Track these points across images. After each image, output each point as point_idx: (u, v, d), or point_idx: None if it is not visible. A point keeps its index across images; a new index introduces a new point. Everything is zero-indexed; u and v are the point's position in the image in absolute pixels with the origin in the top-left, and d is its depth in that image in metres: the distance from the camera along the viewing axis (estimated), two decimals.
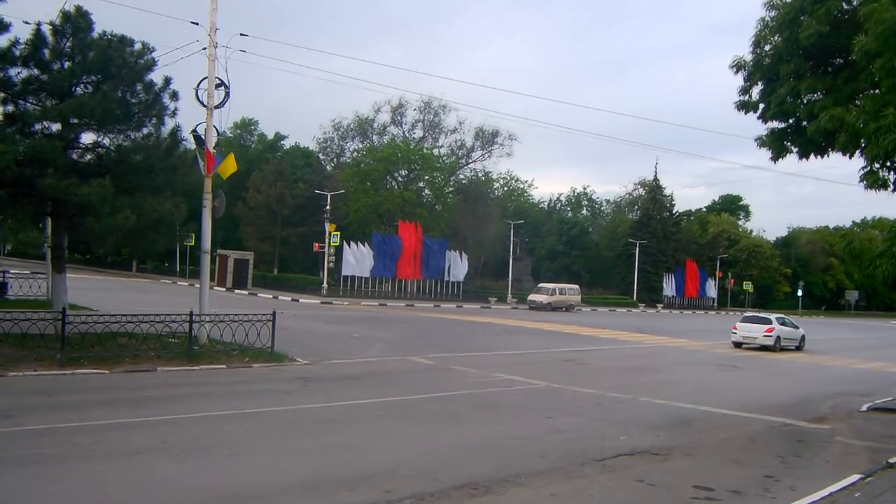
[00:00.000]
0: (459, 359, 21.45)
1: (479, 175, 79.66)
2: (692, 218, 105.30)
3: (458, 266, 64.10)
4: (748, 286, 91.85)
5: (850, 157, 12.84)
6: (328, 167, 76.42)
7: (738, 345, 32.99)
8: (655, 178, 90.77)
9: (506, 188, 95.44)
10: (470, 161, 76.87)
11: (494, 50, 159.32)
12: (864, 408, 16.26)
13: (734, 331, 33.84)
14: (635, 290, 79.70)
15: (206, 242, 20.52)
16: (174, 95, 20.67)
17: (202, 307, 19.73)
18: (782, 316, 37.66)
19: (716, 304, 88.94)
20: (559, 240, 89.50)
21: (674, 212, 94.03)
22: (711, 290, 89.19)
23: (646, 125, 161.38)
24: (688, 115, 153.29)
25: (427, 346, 24.45)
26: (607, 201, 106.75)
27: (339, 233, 55.39)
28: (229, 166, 21.14)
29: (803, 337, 34.52)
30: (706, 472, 9.78)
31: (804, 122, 14.18)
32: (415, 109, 73.16)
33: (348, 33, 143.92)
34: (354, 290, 56.38)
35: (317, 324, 30.10)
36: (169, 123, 20.45)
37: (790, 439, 12.50)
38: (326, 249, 54.74)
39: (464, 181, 77.64)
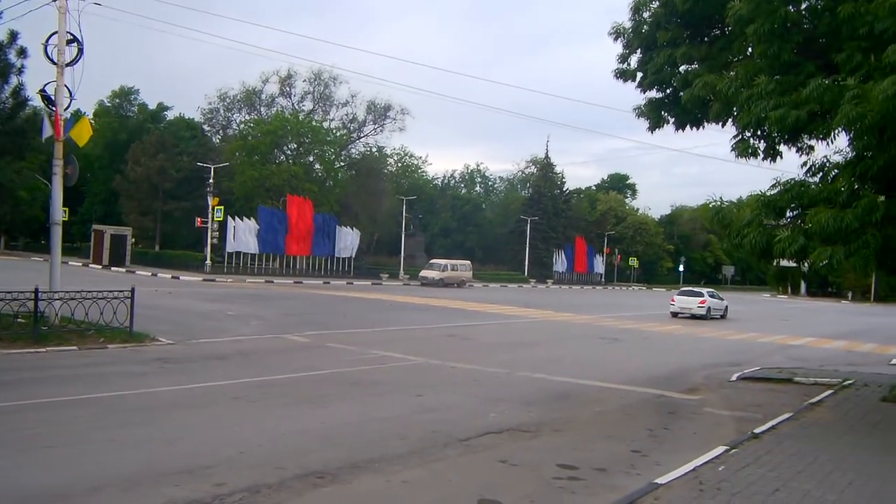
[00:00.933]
0: (338, 336, 20.60)
1: (373, 150, 78.51)
2: (582, 196, 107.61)
3: (349, 242, 62.84)
4: (634, 262, 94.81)
5: (723, 126, 12.70)
6: (215, 139, 73.33)
7: (675, 314, 37.20)
8: (547, 156, 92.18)
9: (400, 164, 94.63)
10: (362, 135, 75.49)
11: (409, 25, 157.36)
12: (733, 378, 16.46)
13: (672, 303, 38.23)
14: (526, 266, 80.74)
15: (57, 213, 18.69)
16: (22, 52, 18.80)
17: (52, 284, 17.99)
18: (712, 290, 42.41)
19: (603, 280, 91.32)
20: (452, 216, 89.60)
21: (564, 189, 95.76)
22: (599, 265, 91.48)
23: (546, 104, 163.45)
24: (593, 95, 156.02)
25: (307, 323, 23.45)
26: (501, 178, 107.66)
27: (222, 207, 53.08)
28: (83, 131, 19.22)
29: (727, 307, 39.52)
30: (575, 448, 9.36)
31: (680, 92, 13.97)
32: (304, 81, 71.10)
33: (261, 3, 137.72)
34: (240, 268, 54.36)
35: (192, 301, 28.51)
36: (18, 84, 18.70)
37: (662, 411, 12.34)
38: (210, 225, 52.40)
39: (356, 156, 76.14)
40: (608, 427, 10.89)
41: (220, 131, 73.58)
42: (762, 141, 11.64)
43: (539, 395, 13.32)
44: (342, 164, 75.23)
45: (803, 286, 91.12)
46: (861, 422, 11.32)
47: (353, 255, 63.89)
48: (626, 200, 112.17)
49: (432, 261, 63.94)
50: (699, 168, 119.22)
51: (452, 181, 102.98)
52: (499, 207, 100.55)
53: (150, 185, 62.51)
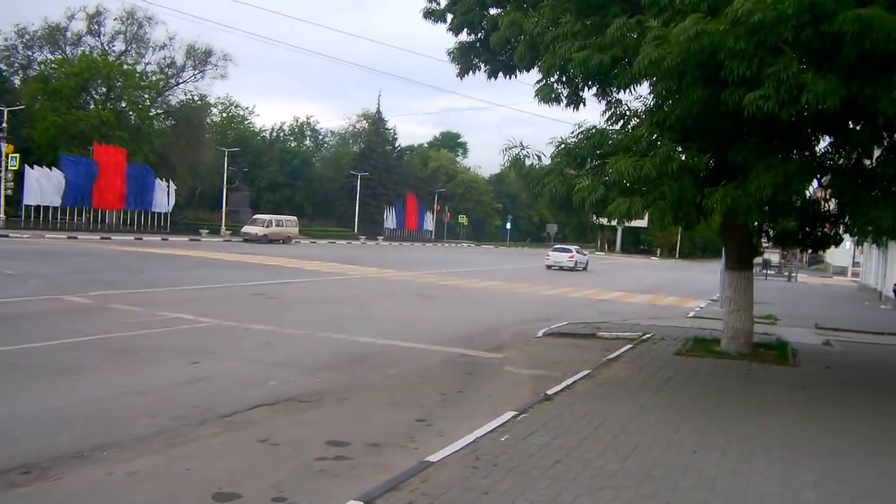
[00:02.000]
0: (128, 296, 18.44)
1: (194, 98, 73.43)
2: (414, 153, 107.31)
3: (165, 196, 58.56)
4: (463, 220, 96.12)
5: (528, 71, 11.97)
6: (15, 81, 65.34)
7: (549, 267, 45.81)
8: (378, 111, 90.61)
9: (224, 114, 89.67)
10: (181, 81, 70.21)
11: None
12: (539, 333, 16.21)
13: (547, 257, 47.56)
14: (356, 223, 79.45)
15: None
16: None
17: None
18: (578, 247, 51.25)
19: (433, 237, 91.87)
20: (280, 171, 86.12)
21: (396, 146, 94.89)
22: (429, 223, 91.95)
23: (381, 59, 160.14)
24: (432, 50, 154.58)
25: (96, 282, 20.94)
26: (332, 133, 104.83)
27: (17, 155, 47.35)
28: None
29: (588, 262, 49.94)
30: (353, 420, 8.36)
31: (490, 35, 13.09)
32: (115, 19, 64.80)
33: None
34: (42, 222, 49.14)
35: None
36: None
37: (460, 372, 11.65)
38: (3, 174, 46.69)
39: (176, 104, 70.86)
40: (398, 393, 9.99)
41: (21, 72, 65.63)
42: (566, 86, 10.98)
43: (334, 358, 12.24)
44: (160, 111, 69.84)
45: (619, 243, 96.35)
46: (654, 377, 11.16)
47: (171, 210, 59.72)
48: (458, 159, 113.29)
49: (255, 216, 61.07)
50: (533, 129, 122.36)
51: (281, 134, 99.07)
52: (330, 162, 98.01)
53: None
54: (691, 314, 22.73)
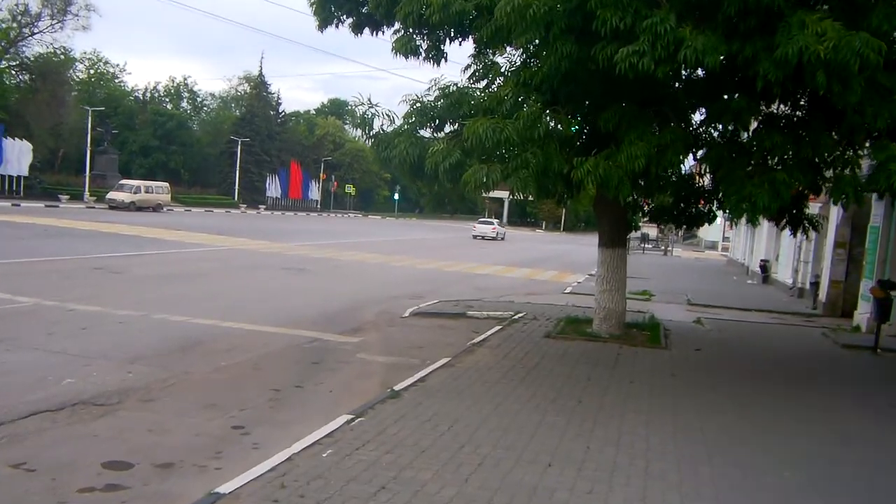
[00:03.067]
0: None
1: (56, 52, 67.49)
2: (301, 120, 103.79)
3: (18, 157, 53.47)
4: (351, 189, 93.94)
5: (388, 24, 10.59)
6: None
7: (475, 237, 53.33)
8: (261, 74, 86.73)
9: (92, 71, 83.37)
10: (36, 31, 64.23)
11: None
12: (406, 313, 15.06)
13: (474, 228, 55.72)
14: (236, 191, 76.04)
15: None
16: None
17: None
18: (499, 221, 62.90)
19: (319, 207, 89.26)
20: (154, 134, 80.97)
21: (280, 111, 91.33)
22: (314, 192, 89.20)
23: (268, 19, 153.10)
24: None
25: None
26: (212, 95, 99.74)
27: None
28: None
29: (505, 233, 58.60)
30: (151, 430, 6.86)
31: None
32: None
33: None
34: None
35: None
36: None
37: (305, 361, 10.30)
38: None
39: (32, 58, 64.82)
40: (221, 390, 8.54)
41: None
42: (425, 39, 9.68)
43: (160, 345, 10.62)
44: (12, 63, 63.79)
45: (505, 216, 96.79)
46: (518, 365, 10.18)
47: (26, 173, 54.68)
48: (347, 128, 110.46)
49: (122, 181, 56.88)
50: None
51: (156, 95, 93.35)
52: (209, 126, 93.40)
53: None
54: (568, 290, 22.21)
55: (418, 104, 9.14)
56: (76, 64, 75.84)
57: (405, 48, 9.37)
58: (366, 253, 31.18)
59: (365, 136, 9.65)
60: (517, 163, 7.98)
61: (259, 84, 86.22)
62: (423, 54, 9.76)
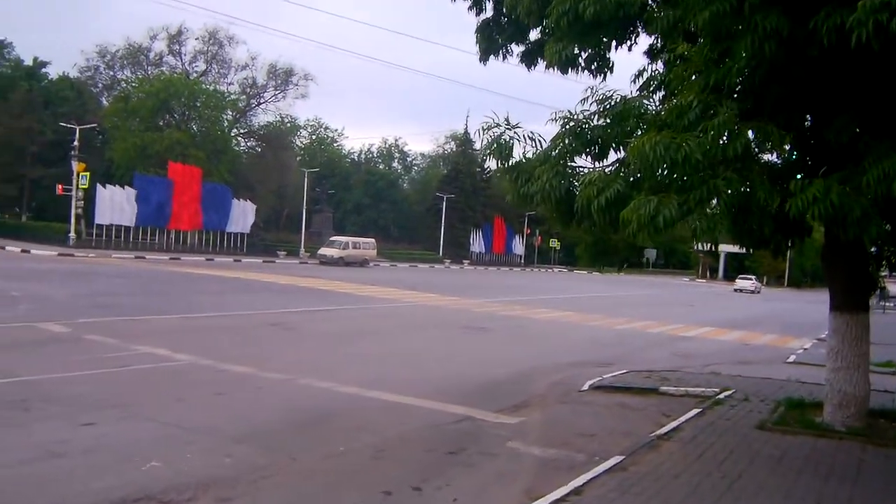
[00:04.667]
0: (116, 324, 16.18)
1: (284, 120, 73.16)
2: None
3: (242, 216, 57.53)
4: (555, 243, 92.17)
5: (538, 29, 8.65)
6: (104, 100, 66.40)
7: (736, 290, 63.20)
8: (466, 132, 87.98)
9: (314, 136, 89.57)
10: (262, 101, 69.84)
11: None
12: (585, 386, 12.69)
13: (735, 284, 66.17)
14: (441, 246, 77.00)
15: None
16: None
17: None
18: (755, 277, 69.14)
19: (522, 261, 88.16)
20: (366, 193, 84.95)
21: (485, 167, 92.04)
22: (518, 246, 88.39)
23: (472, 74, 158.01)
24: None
25: (97, 306, 18.85)
26: (422, 155, 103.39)
27: (87, 173, 47.09)
28: None
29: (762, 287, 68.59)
30: None
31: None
32: (197, 39, 65.08)
33: None
34: (114, 241, 48.63)
35: None
36: None
37: (441, 450, 8.36)
38: (74, 192, 46.57)
39: (261, 126, 70.47)
40: (318, 488, 6.84)
41: (105, 92, 66.86)
42: (584, 46, 7.61)
43: (283, 418, 9.26)
44: (242, 131, 69.75)
45: (721, 271, 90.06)
46: (715, 472, 7.52)
47: (248, 231, 58.64)
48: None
49: (332, 238, 59.43)
50: None
51: (370, 156, 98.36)
52: (418, 184, 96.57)
53: (13, 147, 55.60)
54: (792, 358, 18.47)
55: (570, 123, 7.09)
56: (300, 130, 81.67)
57: (559, 57, 7.36)
58: (560, 311, 28.92)
59: (500, 167, 7.70)
60: (702, 193, 5.67)
61: (464, 141, 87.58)
62: (583, 64, 7.69)
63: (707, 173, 5.82)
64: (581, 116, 7.17)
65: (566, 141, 7.05)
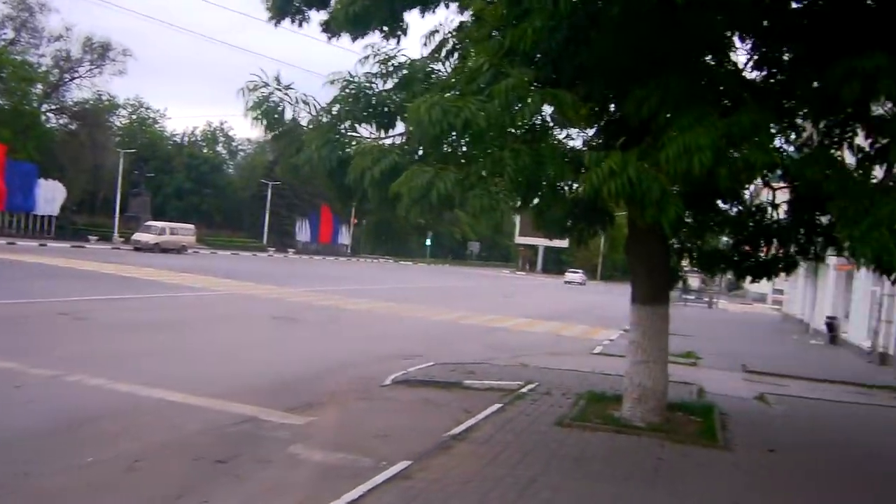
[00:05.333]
0: None
1: (101, 97, 67.02)
2: None
3: (51, 198, 52.23)
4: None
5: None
6: None
7: (566, 283, 66.48)
8: (294, 118, 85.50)
9: (134, 116, 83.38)
10: (77, 76, 63.65)
11: None
12: (388, 380, 11.94)
13: (565, 276, 72.24)
14: (266, 234, 74.28)
15: None
16: None
17: None
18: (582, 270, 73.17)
19: (349, 251, 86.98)
20: (188, 176, 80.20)
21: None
22: (345, 236, 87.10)
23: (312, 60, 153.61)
24: None
25: None
26: (248, 140, 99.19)
27: None
28: None
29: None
30: None
31: None
32: (4, 2, 57.95)
33: None
34: None
35: None
36: None
37: (209, 457, 7.23)
38: None
39: (76, 103, 64.16)
40: None
41: None
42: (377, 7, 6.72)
43: (34, 425, 7.86)
44: (53, 107, 63.45)
45: (540, 264, 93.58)
46: (509, 477, 6.94)
47: (57, 214, 53.28)
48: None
49: (147, 223, 55.38)
50: None
51: (193, 139, 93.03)
52: (243, 171, 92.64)
53: None
54: (598, 349, 18.77)
55: (351, 86, 6.20)
56: (118, 109, 75.60)
57: (346, 14, 6.43)
58: (378, 301, 28.19)
59: (269, 134, 6.68)
60: (485, 166, 4.98)
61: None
62: (375, 24, 6.80)
63: (493, 144, 5.16)
64: (363, 80, 6.29)
65: (344, 105, 6.14)
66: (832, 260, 22.19)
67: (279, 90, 6.27)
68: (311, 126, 6.25)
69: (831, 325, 27.19)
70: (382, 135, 6.36)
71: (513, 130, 5.32)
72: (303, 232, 79.72)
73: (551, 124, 5.93)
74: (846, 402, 14.02)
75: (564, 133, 6.27)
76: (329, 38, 9.25)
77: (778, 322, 41.40)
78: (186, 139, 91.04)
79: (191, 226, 58.46)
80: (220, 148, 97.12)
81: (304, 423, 8.89)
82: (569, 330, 24.43)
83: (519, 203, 6.26)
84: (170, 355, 12.90)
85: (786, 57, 6.66)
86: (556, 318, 28.39)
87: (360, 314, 23.35)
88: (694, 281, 51.27)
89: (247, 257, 59.19)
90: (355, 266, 65.65)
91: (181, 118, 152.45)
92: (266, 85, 6.25)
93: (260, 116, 6.28)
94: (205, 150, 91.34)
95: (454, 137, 5.02)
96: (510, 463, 7.35)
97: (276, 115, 6.30)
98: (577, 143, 6.73)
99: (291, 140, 6.31)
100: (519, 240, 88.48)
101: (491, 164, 5.14)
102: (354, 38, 6.75)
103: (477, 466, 7.15)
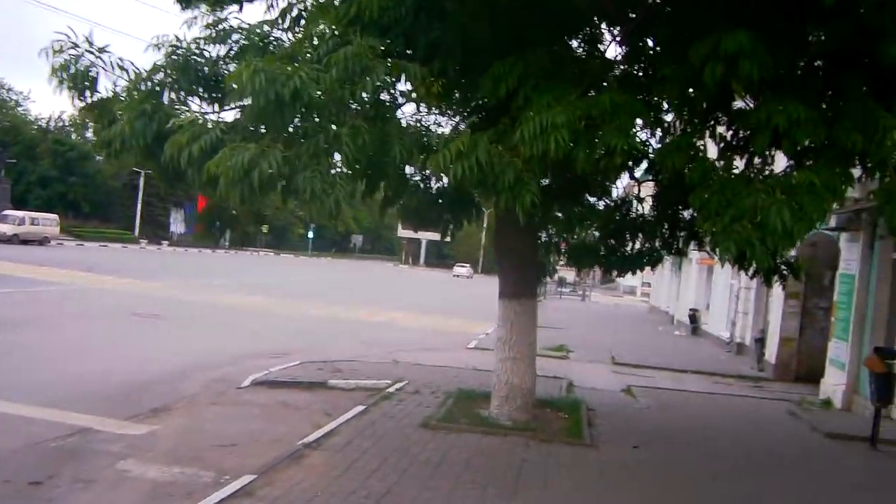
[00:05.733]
0: None
1: None
2: None
3: None
4: (262, 226, 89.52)
5: None
6: None
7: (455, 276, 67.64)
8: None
9: None
10: None
11: None
12: (246, 382, 11.16)
13: (453, 269, 74.31)
14: (137, 225, 70.56)
15: None
16: None
17: None
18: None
19: (227, 243, 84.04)
20: (54, 164, 75.08)
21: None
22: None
23: None
24: None
25: None
26: None
27: None
28: None
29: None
30: None
31: None
32: None
33: None
34: None
35: None
36: None
37: (23, 480, 6.30)
38: None
39: None
40: None
41: None
42: None
43: None
44: None
45: (423, 257, 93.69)
46: (361, 489, 6.42)
47: None
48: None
49: (5, 212, 51.21)
50: None
51: (60, 124, 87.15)
52: (115, 158, 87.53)
53: None
54: (473, 344, 18.54)
55: (179, 52, 5.48)
56: None
57: None
58: (252, 296, 26.99)
59: (79, 104, 5.84)
60: (319, 144, 4.42)
61: None
62: None
63: (330, 120, 4.62)
64: (193, 46, 5.56)
65: (171, 73, 5.40)
66: (695, 254, 23.06)
67: (91, 52, 5.45)
68: (126, 96, 5.46)
69: (693, 316, 28.28)
70: (217, 110, 5.68)
71: (355, 106, 4.79)
72: (177, 223, 76.32)
73: (402, 102, 5.45)
74: (707, 392, 14.41)
75: (424, 115, 5.76)
76: (183, 8, 8.42)
77: (645, 314, 42.86)
78: (53, 124, 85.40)
79: (54, 216, 54.76)
80: (90, 134, 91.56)
81: (143, 434, 8.05)
82: (446, 324, 24.18)
83: (363, 188, 5.74)
84: (5, 359, 11.57)
85: (650, 42, 6.44)
86: (435, 311, 28.13)
87: (231, 310, 22.21)
88: (569, 275, 52.65)
89: (116, 249, 56.10)
90: (232, 258, 63.43)
91: (48, 102, 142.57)
92: (76, 46, 5.41)
93: (66, 81, 5.43)
94: (73, 136, 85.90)
95: (279, 108, 4.42)
96: (365, 473, 6.80)
97: (86, 82, 5.48)
98: (446, 130, 6.22)
99: (104, 111, 5.51)
100: (402, 233, 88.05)
101: (326, 142, 4.59)
102: (213, 8, 5.98)
103: (328, 478, 6.57)
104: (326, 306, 25.75)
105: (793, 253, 6.81)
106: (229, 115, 5.88)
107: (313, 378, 11.55)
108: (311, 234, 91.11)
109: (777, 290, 16.20)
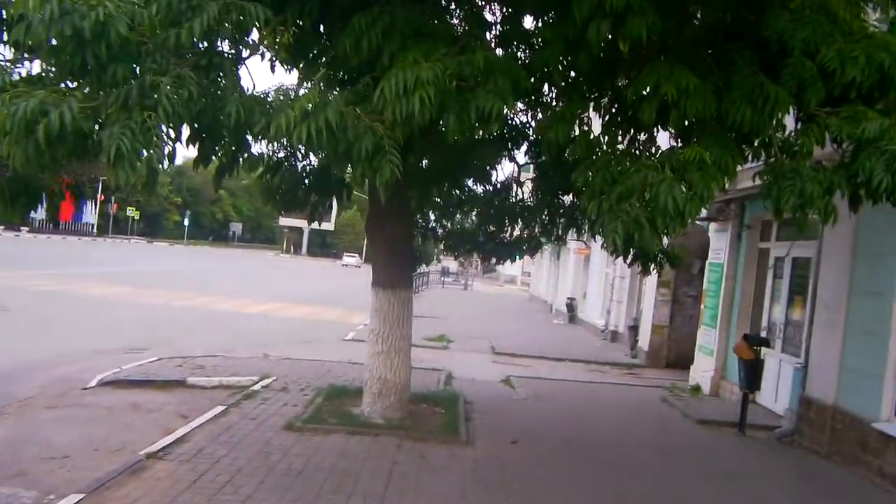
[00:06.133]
0: None
1: None
2: None
3: None
4: (133, 213, 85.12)
5: None
6: None
7: (344, 265, 67.57)
8: None
9: None
10: None
11: None
12: (93, 382, 10.05)
13: (342, 259, 71.45)
14: None
15: None
16: None
17: None
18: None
19: (94, 231, 79.31)
20: None
21: None
22: (90, 215, 79.25)
23: None
24: None
25: None
26: None
27: None
28: None
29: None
30: None
31: None
32: None
33: None
34: None
35: None
36: None
37: None
38: None
39: None
40: None
41: None
42: None
43: None
44: None
45: (305, 245, 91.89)
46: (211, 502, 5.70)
47: None
48: None
49: None
50: None
51: None
52: None
53: None
54: (350, 335, 17.84)
55: None
56: None
57: None
58: (116, 286, 25.22)
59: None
60: (128, 93, 3.67)
61: None
62: None
63: (150, 67, 3.88)
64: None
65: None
66: (573, 243, 23.27)
67: None
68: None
69: (570, 305, 28.65)
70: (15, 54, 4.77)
71: (186, 53, 4.05)
72: (38, 208, 70.97)
73: (247, 55, 4.76)
74: (584, 381, 14.38)
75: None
76: None
77: (525, 302, 43.39)
78: None
79: None
80: None
81: None
82: (325, 315, 23.35)
83: (197, 154, 4.99)
84: None
85: None
86: (315, 301, 27.21)
87: (91, 301, 20.58)
88: (452, 264, 52.74)
89: None
90: (99, 246, 59.74)
91: None
92: None
93: None
94: None
95: (87, 51, 3.63)
96: (214, 486, 6.03)
97: None
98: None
99: None
100: (283, 221, 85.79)
101: (141, 91, 3.84)
102: None
103: (169, 496, 5.76)
104: (198, 296, 24.37)
105: (665, 241, 6.56)
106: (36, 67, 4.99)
107: (171, 376, 10.55)
108: (186, 222, 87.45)
109: (650, 279, 16.45)
